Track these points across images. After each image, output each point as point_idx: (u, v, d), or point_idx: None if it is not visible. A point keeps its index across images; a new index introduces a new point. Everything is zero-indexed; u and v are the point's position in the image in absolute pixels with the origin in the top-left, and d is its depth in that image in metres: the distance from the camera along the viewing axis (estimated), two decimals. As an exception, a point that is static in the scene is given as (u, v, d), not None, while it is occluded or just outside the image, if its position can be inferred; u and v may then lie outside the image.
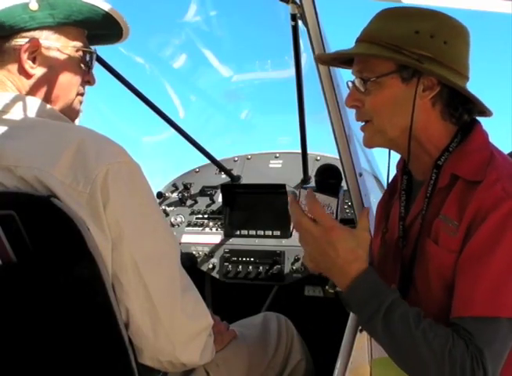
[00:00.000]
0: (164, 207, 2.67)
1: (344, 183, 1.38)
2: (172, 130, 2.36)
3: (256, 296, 2.58)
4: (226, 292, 2.59)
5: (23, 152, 1.09)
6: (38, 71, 1.22)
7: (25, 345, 1.11)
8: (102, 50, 1.41)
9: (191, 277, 1.21)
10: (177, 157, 3.82)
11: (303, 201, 1.18)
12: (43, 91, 1.23)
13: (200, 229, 2.58)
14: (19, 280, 1.08)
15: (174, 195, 2.69)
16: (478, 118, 1.32)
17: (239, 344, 1.50)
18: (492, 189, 1.14)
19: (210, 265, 2.47)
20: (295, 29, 1.73)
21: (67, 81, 1.26)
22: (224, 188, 2.53)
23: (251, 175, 2.62)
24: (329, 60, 1.36)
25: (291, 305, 2.46)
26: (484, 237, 1.12)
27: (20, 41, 1.19)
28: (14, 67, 1.21)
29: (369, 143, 1.33)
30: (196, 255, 2.50)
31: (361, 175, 1.57)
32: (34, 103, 1.20)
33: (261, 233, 2.45)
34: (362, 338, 1.68)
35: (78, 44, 1.26)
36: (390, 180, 1.50)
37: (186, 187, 2.67)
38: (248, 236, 2.47)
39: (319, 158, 2.53)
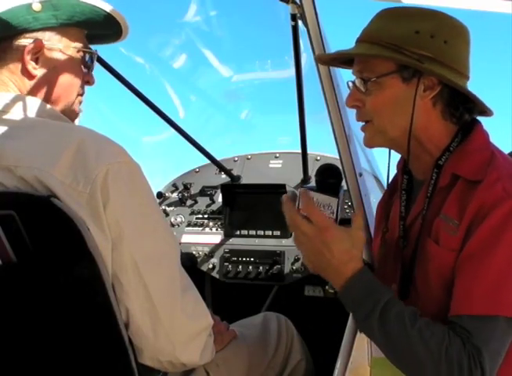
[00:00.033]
0: (164, 207, 2.67)
1: (344, 183, 1.38)
2: (172, 130, 2.36)
3: (256, 296, 2.58)
4: (226, 292, 2.59)
5: (23, 152, 1.09)
6: (41, 72, 1.22)
7: (25, 345, 1.11)
8: (102, 50, 1.41)
9: (191, 277, 1.21)
10: (177, 157, 3.82)
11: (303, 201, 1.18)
12: (45, 92, 1.23)
13: (200, 229, 2.58)
14: (19, 280, 1.08)
15: (174, 195, 2.69)
16: (479, 118, 1.32)
17: (239, 344, 1.50)
18: (493, 188, 1.15)
19: (210, 265, 2.47)
20: (295, 29, 1.73)
21: (69, 82, 1.26)
22: (224, 188, 2.53)
23: (251, 175, 2.62)
24: (330, 60, 1.36)
25: (291, 305, 2.46)
26: (484, 236, 1.12)
27: (24, 41, 1.19)
28: (17, 68, 1.21)
29: (370, 143, 1.33)
30: (196, 255, 2.50)
31: (361, 175, 1.57)
32: (34, 103, 1.20)
33: (261, 233, 2.45)
34: (362, 338, 1.68)
35: (79, 45, 1.27)
36: (390, 180, 1.50)
37: (186, 187, 2.67)
38: (248, 236, 2.47)
39: (319, 158, 2.53)
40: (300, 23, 1.67)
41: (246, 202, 2.49)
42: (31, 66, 1.20)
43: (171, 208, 2.67)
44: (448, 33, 1.23)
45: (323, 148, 2.57)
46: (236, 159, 2.72)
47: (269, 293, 2.63)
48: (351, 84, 1.30)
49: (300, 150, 2.37)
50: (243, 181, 2.61)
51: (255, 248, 2.43)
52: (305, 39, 1.52)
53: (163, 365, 1.16)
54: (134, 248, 1.09)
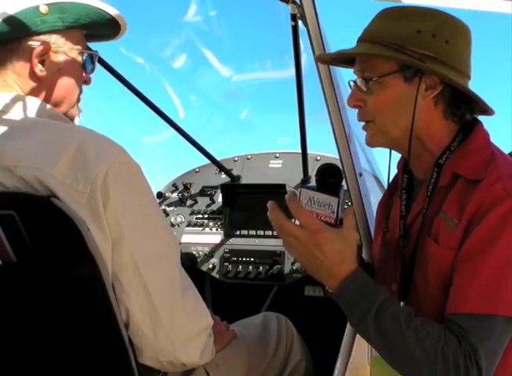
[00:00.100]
0: (164, 207, 2.67)
1: (344, 183, 1.38)
2: (172, 130, 2.36)
3: (256, 296, 2.58)
4: (226, 292, 2.59)
5: (23, 152, 1.09)
6: (47, 75, 1.22)
7: (25, 345, 1.11)
8: (102, 50, 1.41)
9: (191, 277, 1.21)
10: (177, 157, 3.82)
11: (303, 201, 1.18)
12: (49, 94, 1.24)
13: (200, 229, 2.58)
14: (19, 280, 1.08)
15: (174, 195, 2.69)
16: (480, 117, 1.32)
17: (239, 344, 1.50)
18: (493, 187, 1.14)
19: (210, 265, 2.47)
20: (295, 29, 1.73)
21: (72, 84, 1.28)
22: (224, 188, 2.53)
23: (251, 175, 2.62)
24: (330, 60, 1.36)
25: (291, 305, 2.46)
26: (482, 235, 1.12)
27: (32, 44, 1.20)
28: (24, 70, 1.21)
29: (372, 142, 1.32)
30: (196, 255, 2.50)
31: (361, 175, 1.57)
32: (34, 103, 1.20)
33: (261, 233, 2.45)
34: (362, 338, 1.68)
35: (81, 46, 1.28)
36: (390, 180, 1.50)
37: (186, 187, 2.67)
38: (248, 236, 2.47)
39: (319, 158, 2.53)
40: (300, 23, 1.67)
41: (246, 202, 2.49)
42: (38, 68, 1.21)
43: (171, 208, 2.67)
44: (450, 32, 1.23)
45: (323, 148, 2.57)
46: (236, 159, 2.72)
47: (269, 293, 2.63)
48: (352, 83, 1.30)
49: (300, 150, 2.37)
50: (243, 181, 2.61)
51: (255, 248, 2.43)
52: (305, 39, 1.52)
53: (163, 365, 1.16)
54: (134, 248, 1.09)
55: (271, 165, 2.64)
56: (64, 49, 1.24)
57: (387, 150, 1.39)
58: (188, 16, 2.70)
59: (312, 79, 1.51)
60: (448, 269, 1.18)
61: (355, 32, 1.30)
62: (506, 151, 1.33)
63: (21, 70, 1.21)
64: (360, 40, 1.28)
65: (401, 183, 1.40)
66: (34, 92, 1.22)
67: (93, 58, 1.33)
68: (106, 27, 1.30)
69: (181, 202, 2.65)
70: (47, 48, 1.20)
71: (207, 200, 2.62)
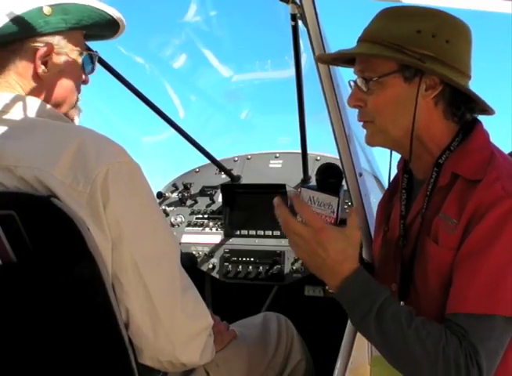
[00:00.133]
0: (164, 207, 2.67)
1: (344, 183, 1.38)
2: (172, 130, 2.36)
3: (256, 296, 2.58)
4: (226, 292, 2.59)
5: (23, 152, 1.09)
6: (49, 75, 1.23)
7: (25, 345, 1.11)
8: (102, 50, 1.42)
9: (191, 277, 1.21)
10: (177, 157, 3.82)
11: (303, 200, 1.18)
12: (50, 94, 1.24)
13: (200, 229, 2.58)
14: (19, 280, 1.08)
15: (174, 195, 2.69)
16: (479, 117, 1.32)
17: (239, 344, 1.50)
18: (492, 187, 1.14)
19: (210, 265, 2.47)
20: (295, 29, 1.73)
21: (72, 84, 1.28)
22: (224, 188, 2.53)
23: (251, 175, 2.62)
24: (330, 60, 1.36)
25: (291, 305, 2.46)
26: (482, 235, 1.12)
27: (35, 45, 1.20)
28: (26, 71, 1.21)
29: (371, 141, 1.32)
30: (196, 255, 2.50)
31: (361, 175, 1.57)
32: (34, 103, 1.20)
33: (261, 233, 2.45)
34: (362, 338, 1.68)
35: (81, 47, 1.28)
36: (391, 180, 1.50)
37: (186, 187, 2.67)
38: (248, 236, 2.47)
39: (319, 158, 2.53)
40: (300, 23, 1.67)
41: (246, 202, 2.49)
42: (41, 69, 1.21)
43: (171, 208, 2.67)
44: (450, 32, 1.22)
45: (323, 148, 2.57)
46: (236, 159, 2.72)
47: (269, 293, 2.63)
48: (352, 83, 1.30)
49: (300, 150, 2.37)
50: (243, 181, 2.61)
51: (255, 248, 2.43)
52: (305, 39, 1.52)
53: (163, 365, 1.16)
54: (134, 248, 1.09)
55: (271, 165, 2.64)
56: (66, 50, 1.24)
57: (387, 150, 1.39)
58: (188, 16, 2.70)
59: (312, 79, 1.52)
60: (447, 269, 1.18)
61: (355, 32, 1.30)
62: (506, 151, 1.32)
63: (24, 70, 1.21)
64: (360, 40, 1.28)
65: (401, 183, 1.40)
66: (35, 93, 1.22)
67: (93, 58, 1.33)
68: (107, 28, 1.31)
69: (181, 202, 2.65)
70: (50, 49, 1.21)
71: (207, 200, 2.62)
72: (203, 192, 2.65)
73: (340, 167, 1.37)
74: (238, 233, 2.49)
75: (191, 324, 1.17)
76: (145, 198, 1.14)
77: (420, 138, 1.27)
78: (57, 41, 1.22)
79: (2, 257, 1.04)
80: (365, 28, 1.29)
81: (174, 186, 2.71)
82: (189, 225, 2.60)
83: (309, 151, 2.38)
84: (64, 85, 1.26)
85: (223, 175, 2.66)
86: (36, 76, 1.21)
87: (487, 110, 1.29)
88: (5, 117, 1.16)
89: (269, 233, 2.43)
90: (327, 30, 1.38)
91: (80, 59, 1.28)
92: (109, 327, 1.09)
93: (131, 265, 1.08)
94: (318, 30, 1.33)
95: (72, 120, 1.31)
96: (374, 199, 1.70)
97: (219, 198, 2.59)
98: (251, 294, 2.52)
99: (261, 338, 1.59)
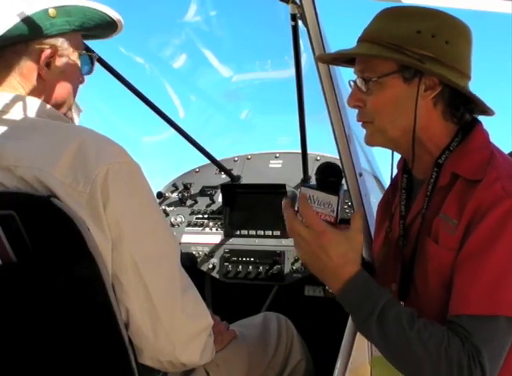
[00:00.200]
0: (164, 207, 2.67)
1: (344, 183, 1.38)
2: (172, 130, 2.36)
3: (256, 296, 2.58)
4: (226, 292, 2.59)
5: (23, 152, 1.09)
6: (51, 77, 1.23)
7: (25, 345, 1.11)
8: (102, 50, 1.42)
9: (191, 277, 1.21)
10: (177, 157, 3.82)
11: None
12: (51, 95, 1.25)
13: (200, 229, 2.58)
14: (19, 280, 1.08)
15: (174, 195, 2.69)
16: (479, 117, 1.32)
17: (239, 344, 1.50)
18: (492, 187, 1.14)
19: (210, 265, 2.47)
20: (295, 29, 1.73)
21: (72, 86, 1.29)
22: (224, 188, 2.53)
23: (251, 175, 2.62)
24: (330, 60, 1.36)
25: (291, 305, 2.46)
26: (482, 235, 1.12)
27: (40, 47, 1.20)
28: (30, 73, 1.21)
29: (370, 141, 1.32)
30: (196, 255, 2.50)
31: (361, 175, 1.57)
32: (34, 103, 1.20)
33: (261, 233, 2.45)
34: (362, 338, 1.67)
35: (81, 48, 1.29)
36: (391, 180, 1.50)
37: (186, 187, 2.67)
38: (248, 236, 2.47)
39: (318, 158, 2.53)
40: (300, 23, 1.67)
41: (246, 202, 2.49)
42: (45, 71, 1.21)
43: (171, 208, 2.67)
44: (450, 32, 1.22)
45: (323, 148, 2.57)
46: (236, 159, 2.72)
47: (269, 293, 2.63)
48: (352, 83, 1.30)
49: (300, 150, 2.37)
50: (243, 181, 2.61)
51: (255, 248, 2.43)
52: (305, 39, 1.52)
53: (163, 365, 1.16)
54: (134, 248, 1.09)
55: (271, 165, 2.64)
56: (68, 53, 1.25)
57: (387, 150, 1.39)
58: (188, 16, 2.71)
59: (312, 79, 1.52)
60: (447, 269, 1.18)
61: (355, 32, 1.30)
62: (506, 151, 1.32)
63: (28, 72, 1.21)
64: (360, 40, 1.28)
65: (400, 183, 1.40)
66: (36, 94, 1.22)
67: (92, 59, 1.34)
68: (106, 30, 1.31)
69: (181, 202, 2.65)
70: (54, 51, 1.22)
71: (207, 200, 2.62)
72: (203, 192, 2.65)
73: (340, 167, 1.37)
74: (238, 233, 2.49)
75: (191, 324, 1.17)
76: (145, 198, 1.14)
77: (419, 138, 1.27)
78: (60, 43, 1.23)
79: (2, 257, 1.04)
80: (365, 28, 1.29)
81: (174, 186, 2.71)
82: (189, 225, 2.60)
83: (309, 151, 2.38)
84: (65, 86, 1.26)
85: (223, 175, 2.66)
86: (39, 77, 1.22)
87: (486, 111, 1.29)
88: (5, 117, 1.17)
89: (269, 233, 2.43)
90: (327, 30, 1.38)
91: (79, 60, 1.29)
92: (109, 327, 1.09)
93: (131, 265, 1.08)
94: (318, 30, 1.33)
95: (71, 120, 1.32)
96: (374, 199, 1.70)
97: (219, 198, 2.59)
98: (251, 294, 2.52)
99: (261, 338, 1.59)
